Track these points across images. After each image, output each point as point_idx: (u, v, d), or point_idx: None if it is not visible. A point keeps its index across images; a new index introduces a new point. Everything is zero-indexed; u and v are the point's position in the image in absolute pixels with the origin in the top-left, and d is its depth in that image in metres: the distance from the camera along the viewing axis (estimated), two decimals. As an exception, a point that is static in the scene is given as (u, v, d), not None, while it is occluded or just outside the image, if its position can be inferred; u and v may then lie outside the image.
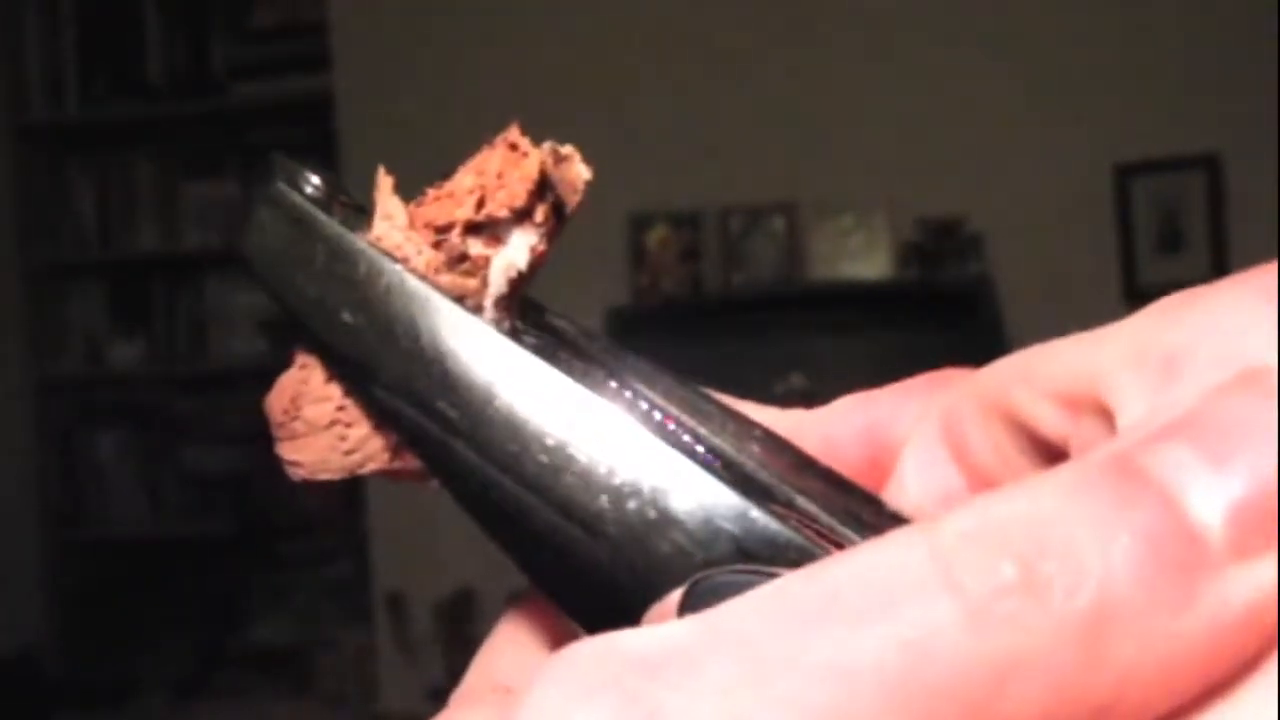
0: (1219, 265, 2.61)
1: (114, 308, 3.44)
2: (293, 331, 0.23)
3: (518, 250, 0.22)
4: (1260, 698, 0.15)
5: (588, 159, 0.23)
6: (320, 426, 0.23)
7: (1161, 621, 0.14)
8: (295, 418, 0.23)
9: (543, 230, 0.22)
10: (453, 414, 0.21)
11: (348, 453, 0.23)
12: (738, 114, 2.74)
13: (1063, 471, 0.16)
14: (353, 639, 3.02)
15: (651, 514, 0.20)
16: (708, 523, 0.20)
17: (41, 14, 3.42)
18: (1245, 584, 0.14)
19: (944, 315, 2.58)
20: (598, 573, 0.20)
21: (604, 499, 0.20)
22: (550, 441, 0.21)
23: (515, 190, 0.22)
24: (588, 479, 0.20)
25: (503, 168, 0.22)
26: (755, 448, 0.22)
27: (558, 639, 0.23)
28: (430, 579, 2.72)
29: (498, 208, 0.22)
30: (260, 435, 0.24)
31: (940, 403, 0.22)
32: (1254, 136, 2.48)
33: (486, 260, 0.22)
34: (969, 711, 0.14)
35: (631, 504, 0.20)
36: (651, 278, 2.76)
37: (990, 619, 0.14)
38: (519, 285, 0.22)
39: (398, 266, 0.22)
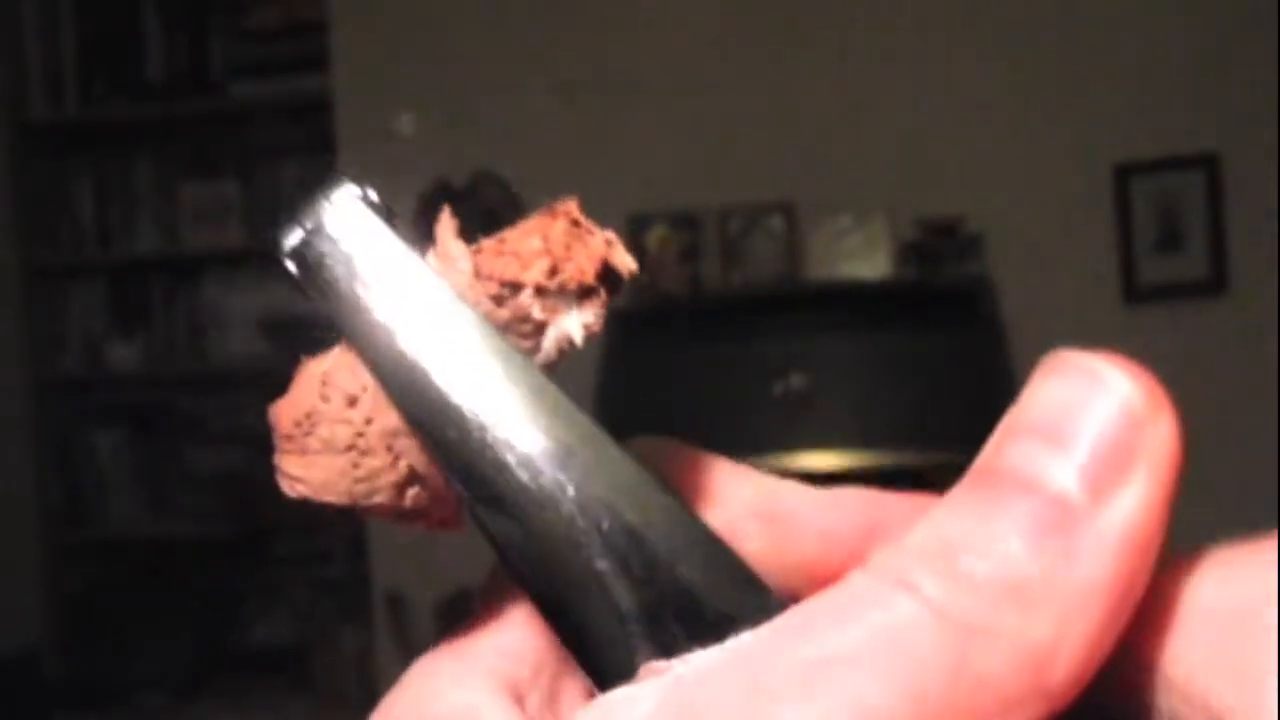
0: (1218, 265, 2.62)
1: (114, 308, 3.44)
2: (310, 340, 0.23)
3: (575, 324, 0.23)
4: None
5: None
6: (337, 448, 0.23)
7: (1064, 572, 0.18)
8: (309, 433, 0.23)
9: (601, 312, 0.23)
10: (501, 448, 0.21)
11: (358, 480, 0.23)
12: (737, 114, 2.74)
13: (949, 498, 0.19)
14: (353, 639, 3.02)
15: (684, 571, 0.21)
16: (718, 588, 0.21)
17: (41, 14, 3.42)
18: (1114, 515, 0.18)
19: (943, 315, 2.58)
20: (616, 614, 0.21)
21: (636, 550, 0.21)
22: (600, 499, 0.21)
23: (584, 267, 0.23)
24: (632, 534, 0.21)
25: (569, 241, 0.23)
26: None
27: (506, 673, 0.23)
28: (430, 579, 2.71)
29: (569, 279, 0.23)
30: (260, 436, 0.24)
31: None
32: (1254, 136, 2.48)
33: (543, 327, 0.23)
34: (951, 682, 0.17)
35: (666, 570, 0.21)
36: (651, 278, 2.76)
37: (940, 608, 0.18)
38: (565, 357, 0.23)
39: (476, 312, 0.22)
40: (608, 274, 0.23)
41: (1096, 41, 2.62)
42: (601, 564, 0.21)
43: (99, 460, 3.41)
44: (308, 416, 0.23)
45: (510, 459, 0.21)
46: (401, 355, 0.22)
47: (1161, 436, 0.19)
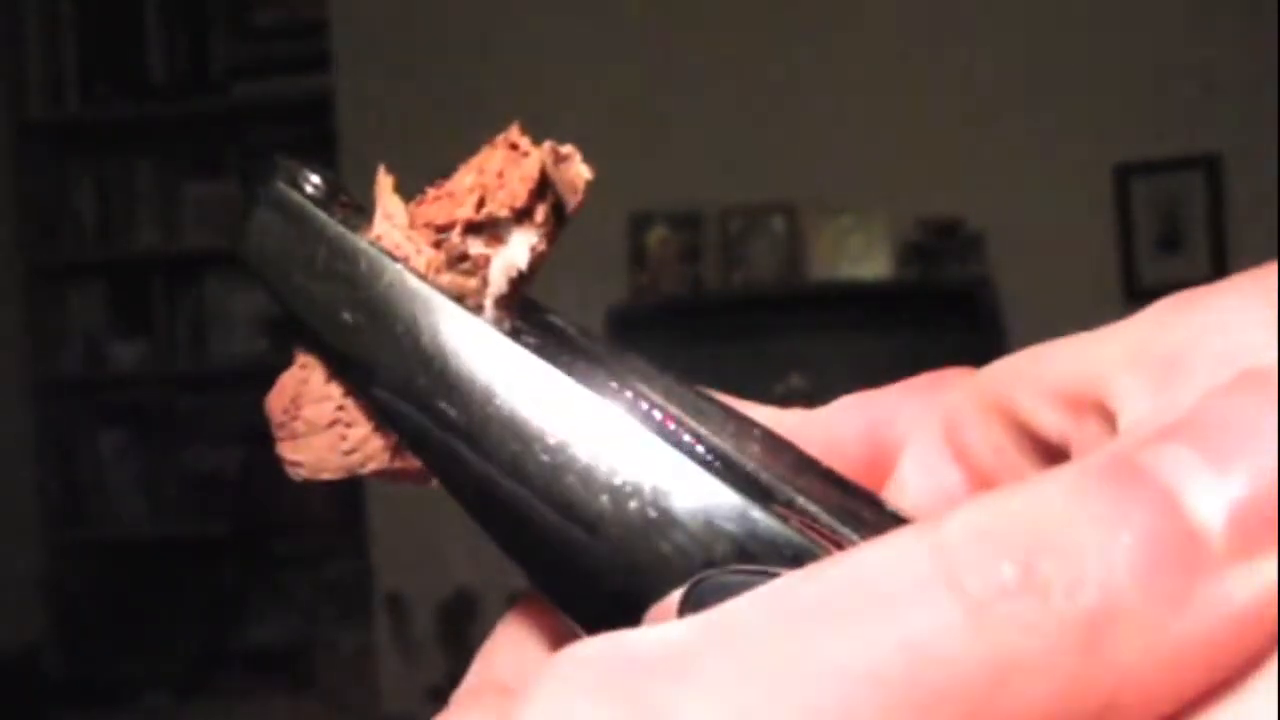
0: (1219, 265, 2.61)
1: (114, 308, 3.44)
2: (293, 331, 0.23)
3: (518, 250, 0.22)
4: (1263, 697, 0.15)
5: (588, 158, 0.23)
6: (320, 426, 0.23)
7: (1161, 620, 0.14)
8: (295, 417, 0.23)
9: (543, 230, 0.22)
10: (453, 413, 0.21)
11: (348, 452, 0.23)
12: (738, 114, 2.74)
13: (1064, 471, 0.15)
14: (353, 639, 3.02)
15: (652, 513, 0.20)
16: (708, 523, 0.19)
17: (41, 14, 3.42)
18: (1246, 583, 0.14)
19: (944, 315, 2.58)
20: (598, 572, 0.20)
21: (605, 499, 0.20)
22: (551, 441, 0.21)
23: (516, 190, 0.22)
24: (588, 478, 0.20)
25: (503, 167, 0.22)
26: (755, 447, 0.22)
27: (559, 639, 0.23)
28: (430, 579, 2.72)
29: (498, 207, 0.22)
30: (260, 435, 0.24)
31: (941, 402, 0.22)
32: (1254, 136, 2.48)
33: (487, 260, 0.22)
34: (970, 711, 0.14)
35: (632, 504, 0.20)
36: (651, 278, 2.76)
37: (991, 619, 0.14)
38: (519, 285, 0.22)
39: (399, 265, 0.22)
40: (546, 190, 0.22)
41: (1097, 42, 2.62)
42: (563, 508, 0.20)
43: (99, 460, 3.41)
44: (293, 401, 0.23)
45: (447, 407, 0.21)
46: (337, 328, 0.22)
47: None
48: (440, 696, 0.22)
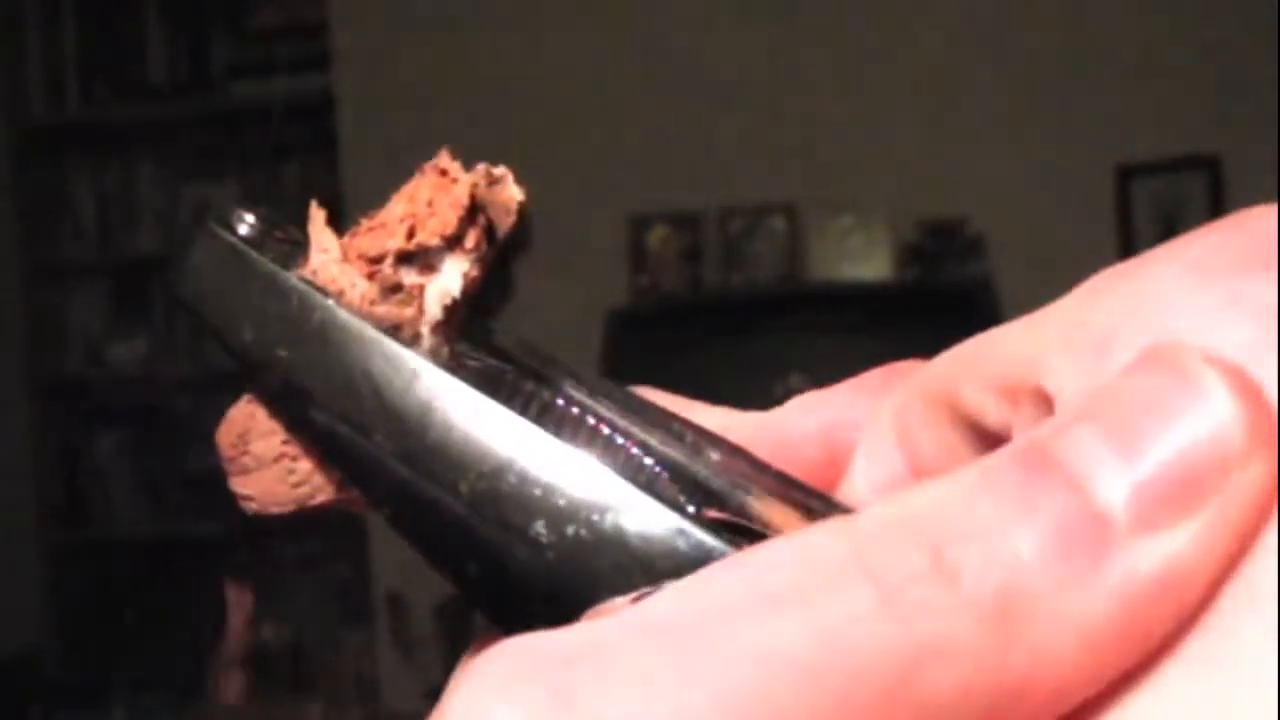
0: (1219, 266, 2.61)
1: (114, 308, 3.44)
2: (236, 367, 0.24)
3: (451, 277, 0.22)
4: (1180, 677, 0.15)
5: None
6: (268, 460, 0.23)
7: (1069, 599, 0.15)
8: (245, 452, 0.24)
9: (475, 256, 0.22)
10: (389, 445, 0.21)
11: (295, 485, 0.23)
12: (738, 114, 2.74)
13: (979, 463, 0.16)
14: (353, 639, 3.02)
15: (588, 535, 0.20)
16: (645, 541, 0.20)
17: (41, 14, 3.42)
18: (1151, 555, 0.15)
19: (944, 316, 2.57)
20: (538, 595, 0.20)
21: (540, 524, 0.20)
22: (485, 468, 0.21)
23: (445, 217, 0.22)
24: (523, 504, 0.20)
25: (433, 195, 0.22)
26: (711, 455, 0.22)
27: None
28: (430, 579, 2.69)
29: (428, 236, 0.22)
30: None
31: (891, 398, 0.22)
32: (1254, 136, 2.48)
33: (421, 289, 0.22)
34: (884, 696, 0.14)
35: (569, 528, 0.20)
36: (651, 278, 2.76)
37: (903, 605, 0.15)
38: (455, 311, 0.22)
39: (329, 301, 0.22)
40: (476, 215, 0.22)
41: (1098, 42, 2.62)
42: (503, 531, 0.21)
43: (99, 460, 3.41)
44: (240, 436, 0.24)
45: (382, 439, 0.21)
46: (274, 365, 0.23)
47: (1248, 481, 0.15)
48: (440, 697, 0.22)
